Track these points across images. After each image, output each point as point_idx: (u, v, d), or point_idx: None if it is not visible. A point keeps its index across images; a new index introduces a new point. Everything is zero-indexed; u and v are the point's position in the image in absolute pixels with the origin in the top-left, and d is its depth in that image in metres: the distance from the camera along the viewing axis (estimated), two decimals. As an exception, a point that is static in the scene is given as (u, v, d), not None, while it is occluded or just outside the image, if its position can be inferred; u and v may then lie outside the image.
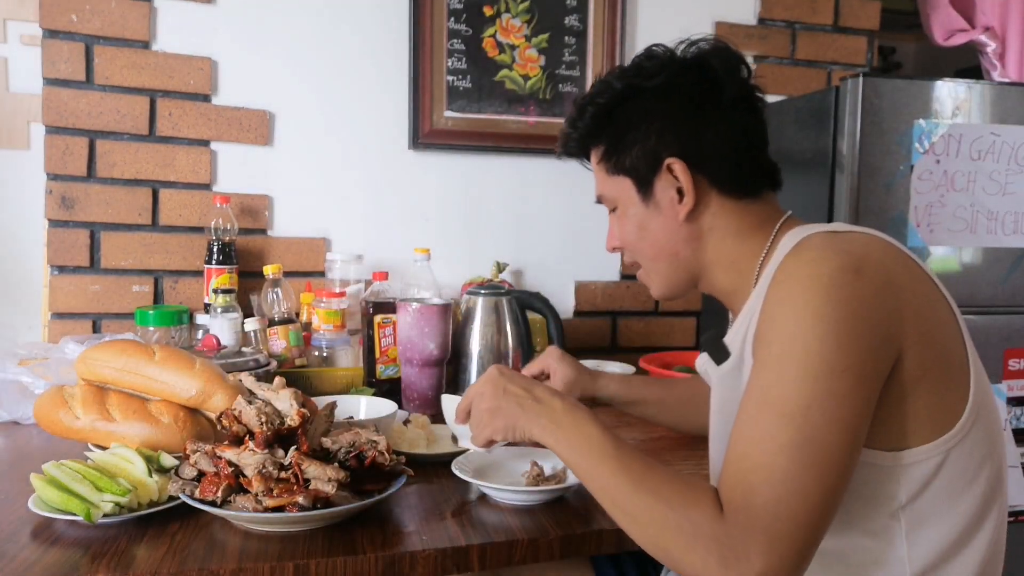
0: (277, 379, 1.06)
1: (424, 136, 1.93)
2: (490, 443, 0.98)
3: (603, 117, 0.99)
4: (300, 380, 1.51)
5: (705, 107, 0.94)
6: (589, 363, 1.80)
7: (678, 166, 0.93)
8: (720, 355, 0.95)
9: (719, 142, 0.94)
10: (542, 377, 1.29)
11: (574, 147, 1.05)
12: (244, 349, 1.51)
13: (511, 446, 1.06)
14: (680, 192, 0.94)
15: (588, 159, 1.05)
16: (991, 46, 2.42)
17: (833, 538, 0.80)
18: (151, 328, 1.60)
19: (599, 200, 1.06)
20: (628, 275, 2.11)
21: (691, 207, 0.94)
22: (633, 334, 2.13)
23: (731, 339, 0.94)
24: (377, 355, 1.58)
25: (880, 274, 0.78)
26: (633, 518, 0.79)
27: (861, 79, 1.57)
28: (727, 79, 0.94)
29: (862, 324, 0.75)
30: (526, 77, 1.99)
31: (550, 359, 1.29)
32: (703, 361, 1.02)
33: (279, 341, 1.61)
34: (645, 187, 0.97)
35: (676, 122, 0.94)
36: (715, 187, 0.94)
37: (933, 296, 0.83)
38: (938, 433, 0.80)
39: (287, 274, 1.79)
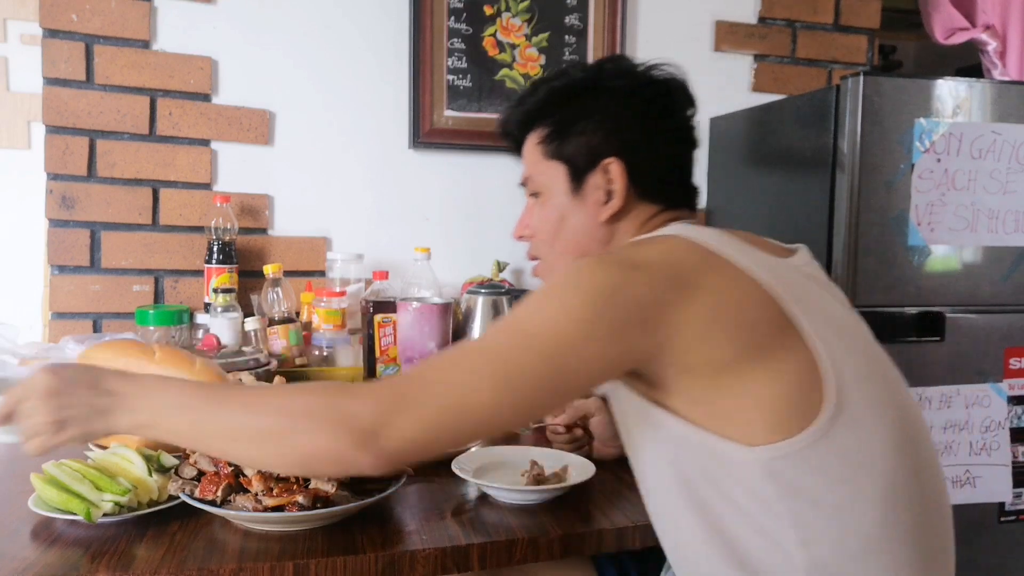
0: (277, 378, 1.06)
1: (424, 135, 1.93)
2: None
3: (556, 99, 1.00)
4: (300, 379, 1.51)
5: (656, 123, 0.97)
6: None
7: (616, 168, 0.95)
8: None
9: (658, 158, 0.97)
10: (584, 421, 1.25)
11: (517, 120, 1.05)
12: (244, 348, 1.51)
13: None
14: (609, 194, 0.96)
15: (521, 142, 1.05)
16: (992, 45, 2.42)
17: (731, 541, 0.79)
18: (151, 328, 1.60)
19: (523, 183, 1.06)
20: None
21: (615, 211, 0.96)
22: (634, 333, 2.13)
23: None
24: (377, 354, 1.58)
25: (664, 271, 0.79)
26: (259, 438, 0.76)
27: (862, 78, 1.57)
28: (680, 109, 1.00)
29: (613, 303, 0.76)
30: (526, 76, 1.98)
31: (592, 406, 1.23)
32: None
33: (279, 340, 1.61)
34: (577, 179, 0.98)
35: (624, 126, 0.96)
36: (640, 196, 0.97)
37: (746, 302, 0.79)
38: (789, 430, 0.76)
39: (287, 273, 1.79)
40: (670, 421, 0.81)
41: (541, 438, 1.31)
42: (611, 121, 0.96)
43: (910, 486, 0.80)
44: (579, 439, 1.25)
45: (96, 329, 1.77)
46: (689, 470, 0.81)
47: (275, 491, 0.91)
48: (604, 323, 0.76)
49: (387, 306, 1.58)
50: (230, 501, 0.93)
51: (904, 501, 0.79)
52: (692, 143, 1.02)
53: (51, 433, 0.79)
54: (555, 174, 0.99)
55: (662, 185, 0.98)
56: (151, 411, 0.79)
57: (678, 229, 0.88)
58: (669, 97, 0.99)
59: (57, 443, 0.80)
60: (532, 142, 1.03)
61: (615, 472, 1.15)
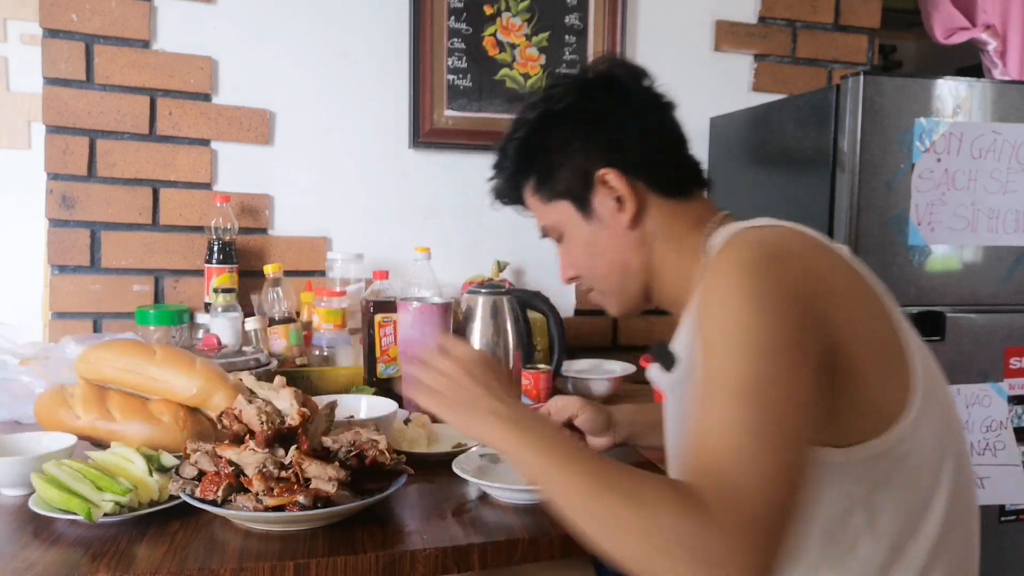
0: (277, 378, 1.06)
1: (424, 135, 1.93)
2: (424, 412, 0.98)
3: (525, 150, 1.00)
4: (301, 379, 1.51)
5: (620, 115, 0.96)
6: (589, 362, 1.81)
7: (612, 175, 0.94)
8: (669, 362, 0.94)
9: (642, 145, 0.96)
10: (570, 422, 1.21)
11: (505, 188, 1.06)
12: (245, 348, 1.51)
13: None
14: (620, 201, 0.95)
15: (521, 200, 1.06)
16: (992, 44, 2.42)
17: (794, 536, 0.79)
18: (152, 327, 1.60)
19: (544, 234, 1.07)
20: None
21: (633, 212, 0.95)
22: (634, 333, 2.13)
23: (678, 345, 0.93)
24: (378, 354, 1.58)
25: (803, 262, 0.80)
26: (594, 517, 0.76)
27: (862, 77, 1.57)
28: (633, 86, 0.98)
29: (791, 302, 0.75)
30: (526, 76, 1.98)
31: (574, 406, 1.20)
32: (654, 371, 1.00)
33: (280, 340, 1.61)
34: (584, 205, 0.98)
35: (596, 136, 0.96)
36: (651, 190, 0.96)
37: (860, 286, 0.83)
38: (887, 426, 0.78)
39: (288, 273, 1.79)
40: None
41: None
42: (581, 138, 0.96)
43: (964, 475, 0.85)
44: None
45: (96, 329, 1.77)
46: None
47: (276, 491, 0.91)
48: (802, 332, 0.75)
49: (387, 306, 1.58)
50: (231, 501, 0.93)
51: (962, 491, 0.84)
52: (662, 107, 0.99)
53: (435, 398, 0.87)
54: (563, 211, 1.00)
55: (660, 168, 0.97)
56: (509, 442, 0.82)
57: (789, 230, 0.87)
58: (616, 82, 0.98)
59: (433, 407, 0.87)
60: (528, 196, 1.04)
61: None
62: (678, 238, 0.96)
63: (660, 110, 0.99)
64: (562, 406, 1.19)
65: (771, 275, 0.76)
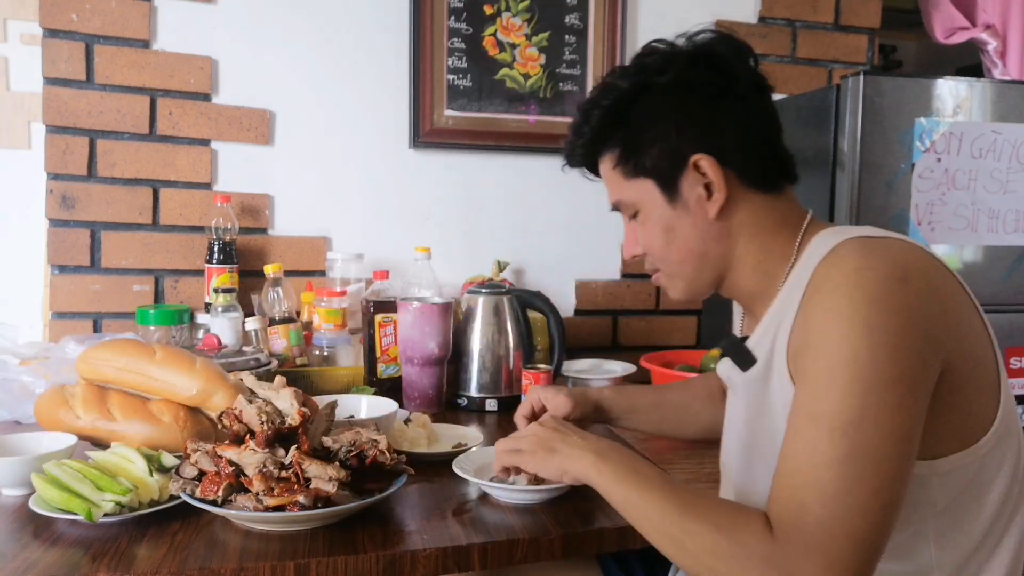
0: (278, 378, 1.06)
1: (424, 135, 1.93)
2: (536, 480, 1.03)
3: (613, 119, 0.94)
4: (301, 379, 1.51)
5: (722, 99, 0.90)
6: (590, 362, 1.81)
7: (705, 161, 0.89)
8: (745, 361, 0.92)
9: (740, 133, 0.90)
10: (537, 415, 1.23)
11: (581, 153, 1.00)
12: (245, 348, 1.51)
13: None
14: (709, 188, 0.90)
15: (595, 166, 1.01)
16: (992, 44, 2.42)
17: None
18: (152, 327, 1.60)
19: (615, 207, 1.00)
20: (629, 274, 2.11)
21: (722, 203, 0.90)
22: (634, 333, 2.13)
23: (756, 344, 0.91)
24: (378, 354, 1.58)
25: (924, 281, 0.77)
26: (681, 545, 0.78)
27: (862, 77, 1.57)
28: (739, 67, 0.91)
29: (912, 333, 0.73)
30: (526, 76, 1.98)
31: (536, 394, 1.21)
32: (726, 367, 0.98)
33: (280, 340, 1.61)
34: (670, 187, 0.92)
35: (695, 117, 0.90)
36: (742, 181, 0.91)
37: (967, 304, 0.82)
38: (972, 439, 0.79)
39: (288, 273, 1.79)
40: None
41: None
42: (677, 118, 0.90)
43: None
44: None
45: (96, 329, 1.77)
46: None
47: (276, 491, 0.91)
48: (920, 361, 0.74)
49: (387, 306, 1.58)
50: (231, 501, 0.93)
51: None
52: (765, 94, 0.93)
53: (541, 459, 0.96)
54: (645, 190, 0.93)
55: (759, 159, 0.91)
56: (602, 477, 0.89)
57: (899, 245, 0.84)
58: (722, 62, 0.91)
59: (543, 471, 0.97)
60: (606, 167, 0.98)
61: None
62: (765, 235, 0.92)
63: (762, 95, 0.93)
64: (557, 406, 1.18)
65: (895, 301, 0.74)
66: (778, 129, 0.94)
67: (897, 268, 0.76)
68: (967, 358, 0.78)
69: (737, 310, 1.06)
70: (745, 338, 0.94)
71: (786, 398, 0.82)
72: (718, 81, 0.90)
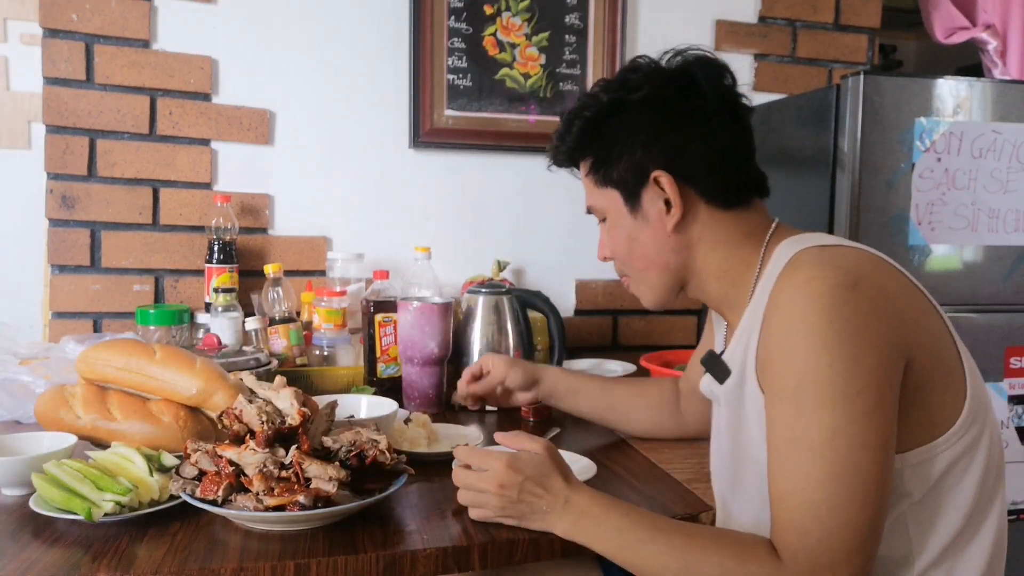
0: (278, 378, 1.06)
1: (425, 135, 1.93)
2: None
3: (590, 130, 0.99)
4: (301, 379, 1.51)
5: (689, 118, 0.94)
6: (590, 362, 1.81)
7: (664, 179, 0.93)
8: (721, 373, 0.96)
9: (705, 153, 0.94)
10: (482, 377, 1.38)
11: (563, 159, 1.06)
12: (245, 348, 1.51)
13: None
14: (668, 204, 0.95)
15: (578, 169, 1.06)
16: (992, 44, 2.42)
17: None
18: (152, 327, 1.60)
19: (589, 211, 1.07)
20: (629, 274, 2.11)
21: (678, 219, 0.94)
22: (634, 333, 2.13)
23: (730, 356, 0.94)
24: (378, 354, 1.58)
25: (874, 286, 0.80)
26: None
27: (862, 77, 1.57)
28: (710, 89, 0.94)
29: (868, 339, 0.76)
30: (527, 76, 1.99)
31: (487, 359, 1.37)
32: (707, 382, 1.01)
33: (280, 340, 1.61)
34: (633, 199, 0.97)
35: (661, 135, 0.94)
36: (702, 197, 0.95)
37: (923, 303, 0.86)
38: (939, 431, 0.81)
39: (288, 273, 1.79)
40: None
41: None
42: (645, 134, 0.95)
43: (999, 464, 0.89)
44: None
45: (96, 329, 1.77)
46: None
47: (276, 491, 0.91)
48: (883, 364, 0.77)
49: (388, 306, 1.58)
50: (231, 501, 0.92)
51: (1000, 488, 0.89)
52: (737, 117, 0.96)
53: (495, 515, 0.93)
54: (611, 199, 1.00)
55: (721, 179, 0.95)
56: (587, 536, 0.89)
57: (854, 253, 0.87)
58: (694, 83, 0.94)
59: (493, 517, 0.94)
60: (583, 173, 1.04)
61: (616, 471, 1.15)
62: (727, 246, 0.95)
63: (733, 118, 0.96)
64: (496, 374, 1.35)
65: (847, 310, 0.76)
66: (749, 149, 0.98)
67: (848, 275, 0.79)
68: (927, 355, 0.81)
69: (720, 325, 1.07)
70: (723, 352, 0.98)
71: (759, 407, 0.86)
72: (686, 102, 0.94)
